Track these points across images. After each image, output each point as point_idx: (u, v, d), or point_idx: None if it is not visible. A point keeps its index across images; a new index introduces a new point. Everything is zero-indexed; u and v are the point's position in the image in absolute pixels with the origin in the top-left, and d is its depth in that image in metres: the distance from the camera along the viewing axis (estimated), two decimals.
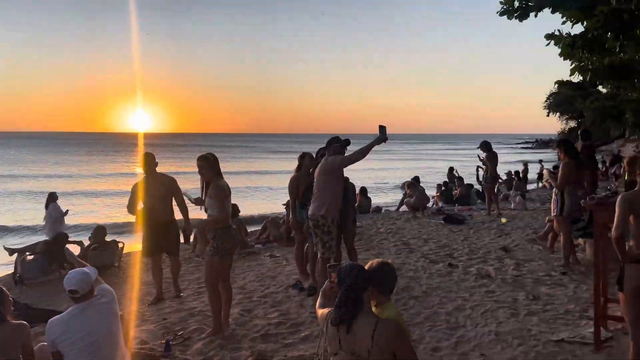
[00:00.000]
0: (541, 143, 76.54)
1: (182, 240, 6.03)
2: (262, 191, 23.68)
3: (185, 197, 5.37)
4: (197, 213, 5.08)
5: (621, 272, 3.09)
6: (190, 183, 11.67)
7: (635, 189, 3.10)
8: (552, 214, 6.53)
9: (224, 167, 4.77)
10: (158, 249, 5.83)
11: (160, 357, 3.96)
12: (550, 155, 38.84)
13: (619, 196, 3.14)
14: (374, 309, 2.65)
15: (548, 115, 55.35)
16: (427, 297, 5.33)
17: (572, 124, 54.19)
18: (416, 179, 12.83)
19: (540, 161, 20.35)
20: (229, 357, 4.04)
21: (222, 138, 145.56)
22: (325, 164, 5.15)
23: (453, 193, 14.51)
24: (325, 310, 2.63)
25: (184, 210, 5.70)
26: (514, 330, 4.32)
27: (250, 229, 10.03)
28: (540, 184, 18.30)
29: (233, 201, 4.96)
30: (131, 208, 5.74)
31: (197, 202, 4.69)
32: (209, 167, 4.49)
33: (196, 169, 4.52)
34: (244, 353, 4.09)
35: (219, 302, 4.51)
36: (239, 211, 8.93)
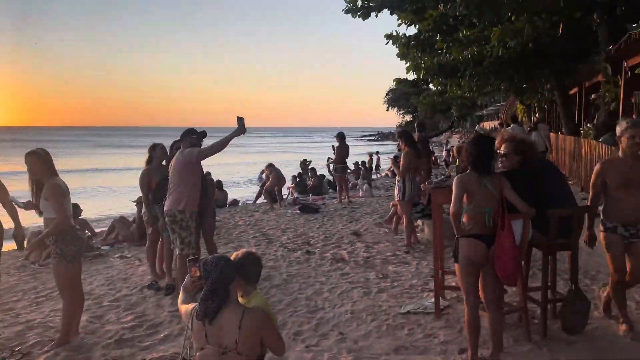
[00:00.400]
0: (382, 135, 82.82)
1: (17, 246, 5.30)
2: (103, 191, 21.49)
3: (12, 203, 4.61)
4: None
5: (456, 245, 3.50)
6: (18, 184, 10.34)
7: (467, 171, 3.53)
8: (395, 199, 7.15)
9: (57, 165, 4.24)
10: None
11: None
12: (390, 147, 42.29)
13: (455, 178, 3.54)
14: (240, 299, 2.65)
15: (388, 110, 60.25)
16: (287, 284, 5.47)
17: (408, 117, 59.70)
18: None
19: (377, 152, 21.94)
20: None
21: (51, 132, 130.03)
22: (181, 156, 4.95)
23: (307, 184, 15.03)
24: (190, 306, 2.56)
25: (12, 212, 4.74)
26: (367, 307, 4.65)
27: (96, 230, 9.25)
28: (378, 175, 19.83)
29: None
30: None
31: (28, 206, 4.14)
32: (41, 164, 3.99)
33: (24, 168, 3.99)
34: None
35: (77, 307, 4.13)
36: (81, 210, 8.16)
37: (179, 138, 5.25)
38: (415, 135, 10.09)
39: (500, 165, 3.94)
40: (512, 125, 13.95)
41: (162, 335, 4.25)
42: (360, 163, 17.78)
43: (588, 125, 13.35)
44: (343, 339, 3.98)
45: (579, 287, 3.86)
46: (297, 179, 15.30)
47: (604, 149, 9.21)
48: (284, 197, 12.88)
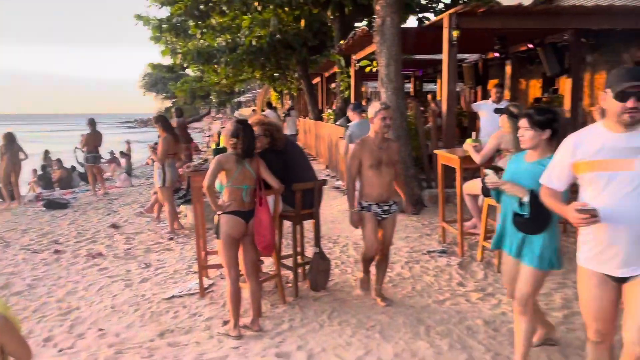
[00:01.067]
0: (141, 122, 78.61)
1: None
2: None
3: None
4: None
5: (217, 223, 3.66)
6: None
7: (227, 152, 3.70)
8: (156, 186, 6.98)
9: None
10: None
11: None
12: (151, 135, 40.48)
13: (214, 157, 3.69)
14: None
15: (144, 95, 57.41)
16: (33, 289, 4.87)
17: (168, 103, 57.96)
18: None
19: (128, 141, 20.76)
20: None
21: None
22: None
23: (51, 177, 13.40)
24: None
25: None
26: (129, 299, 4.49)
27: None
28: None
29: None
30: None
31: None
32: None
33: None
34: None
35: None
36: None
37: None
38: (174, 121, 9.97)
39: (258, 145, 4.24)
40: (267, 110, 14.90)
41: None
42: (114, 152, 16.62)
43: (329, 110, 15.13)
44: (103, 335, 3.78)
45: (322, 250, 4.45)
46: (40, 172, 13.50)
47: (340, 130, 10.60)
48: (23, 194, 11.20)
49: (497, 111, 5.21)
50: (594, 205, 2.19)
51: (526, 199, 2.68)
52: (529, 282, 2.81)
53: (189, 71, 24.00)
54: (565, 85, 10.04)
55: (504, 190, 2.90)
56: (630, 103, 2.13)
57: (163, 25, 13.82)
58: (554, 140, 2.79)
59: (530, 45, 9.81)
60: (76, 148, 11.24)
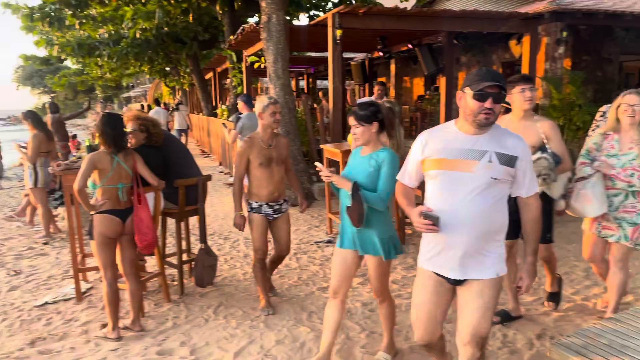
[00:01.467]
0: (15, 119, 71.49)
1: None
2: None
3: None
4: None
5: (91, 223, 3.50)
6: None
7: (99, 150, 3.54)
8: (28, 188, 6.46)
9: None
10: None
11: None
12: (27, 133, 36.91)
13: (87, 156, 3.51)
14: None
15: (18, 89, 52.39)
16: None
17: (47, 97, 53.32)
18: None
19: None
20: None
21: None
22: None
23: None
24: None
25: None
26: None
27: None
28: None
29: None
30: None
31: None
32: None
33: None
34: None
35: None
36: None
37: None
38: (48, 117, 9.25)
39: (129, 143, 4.11)
40: (155, 108, 14.35)
41: None
42: None
43: (222, 106, 14.94)
44: None
45: (208, 245, 4.43)
46: None
47: (232, 126, 10.54)
48: None
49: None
50: (437, 212, 2.18)
51: (350, 191, 2.75)
52: (377, 274, 2.91)
53: (68, 63, 22.31)
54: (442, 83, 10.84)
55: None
56: (487, 103, 2.12)
57: (35, 14, 12.70)
58: (383, 132, 2.94)
59: (410, 46, 10.47)
60: None
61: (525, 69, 8.65)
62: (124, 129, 3.70)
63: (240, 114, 7.23)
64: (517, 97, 3.32)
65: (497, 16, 8.30)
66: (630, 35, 10.36)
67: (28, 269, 5.17)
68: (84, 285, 4.44)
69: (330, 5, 13.70)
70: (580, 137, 8.57)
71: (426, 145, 2.30)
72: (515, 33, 8.86)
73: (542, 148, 3.23)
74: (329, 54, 7.75)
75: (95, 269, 4.48)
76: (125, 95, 49.57)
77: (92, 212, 3.51)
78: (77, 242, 4.47)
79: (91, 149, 4.31)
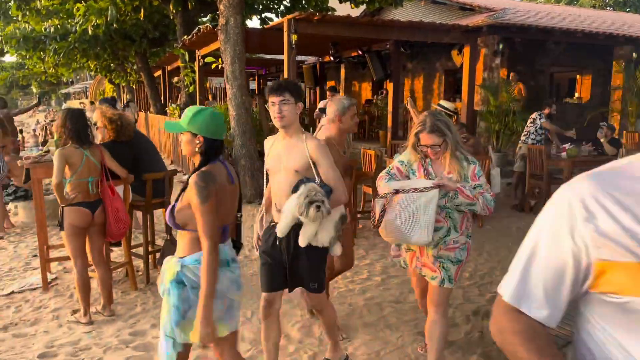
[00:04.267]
0: None
1: None
2: None
3: None
4: None
5: (61, 214, 3.67)
6: None
7: (68, 145, 3.70)
8: None
9: None
10: None
11: None
12: None
13: (57, 151, 3.66)
14: None
15: None
16: None
17: None
18: None
19: None
20: None
21: None
22: None
23: None
24: None
25: None
26: None
27: None
28: None
29: None
30: None
31: None
32: None
33: None
34: None
35: None
36: None
37: None
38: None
39: (98, 138, 4.29)
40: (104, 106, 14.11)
41: None
42: None
43: (173, 105, 14.91)
44: None
45: (173, 236, 4.65)
46: None
47: None
48: None
49: (322, 111, 5.94)
50: None
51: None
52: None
53: (6, 58, 21.38)
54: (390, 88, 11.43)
55: None
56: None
57: None
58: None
59: (360, 52, 10.99)
60: None
61: (465, 77, 9.35)
62: (87, 124, 3.87)
63: None
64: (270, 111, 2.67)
65: (440, 27, 8.94)
66: (559, 49, 11.36)
67: None
68: (49, 275, 4.54)
69: (282, 7, 14.03)
70: (514, 141, 9.37)
71: (606, 222, 0.93)
72: (456, 43, 9.55)
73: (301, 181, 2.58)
74: (284, 58, 8.08)
75: (61, 259, 4.62)
76: (64, 91, 47.68)
77: (62, 205, 3.67)
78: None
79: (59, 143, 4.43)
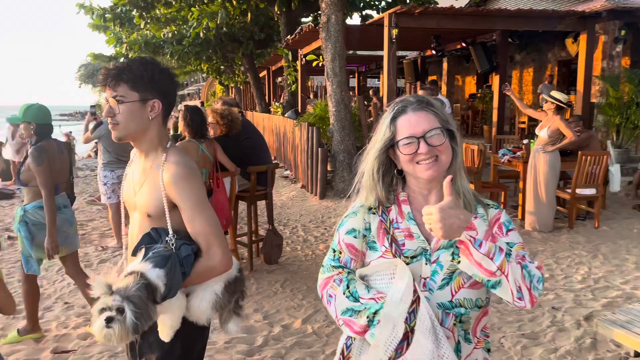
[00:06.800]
0: (79, 114, 75.42)
1: None
2: None
3: None
4: None
5: None
6: None
7: (186, 139, 4.04)
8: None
9: None
10: None
11: None
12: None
13: (177, 144, 4.01)
14: None
15: (80, 87, 55.36)
16: None
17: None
18: None
19: (68, 134, 19.96)
20: None
21: None
22: None
23: None
24: None
25: None
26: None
27: None
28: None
29: None
30: None
31: None
32: None
33: None
34: None
35: None
36: None
37: None
38: None
39: (210, 133, 4.60)
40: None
41: None
42: None
43: (276, 103, 15.49)
44: (69, 307, 4.05)
45: (274, 226, 4.87)
46: None
47: (289, 123, 11.03)
48: None
49: None
50: None
51: None
52: None
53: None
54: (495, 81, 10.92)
55: None
56: None
57: (107, 15, 13.65)
58: None
59: (463, 44, 10.62)
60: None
61: (581, 68, 8.65)
62: (204, 119, 4.18)
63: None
64: None
65: (553, 15, 8.36)
66: None
67: (112, 248, 5.79)
68: None
69: (383, 3, 13.97)
70: (637, 136, 8.50)
71: None
72: (571, 31, 8.88)
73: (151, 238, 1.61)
74: (384, 53, 8.06)
75: None
76: (180, 92, 51.42)
77: None
78: None
79: (175, 138, 4.83)
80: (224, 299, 1.67)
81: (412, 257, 1.32)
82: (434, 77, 16.68)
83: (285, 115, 11.90)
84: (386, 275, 1.31)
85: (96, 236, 6.26)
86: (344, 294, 1.32)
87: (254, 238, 4.98)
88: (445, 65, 16.30)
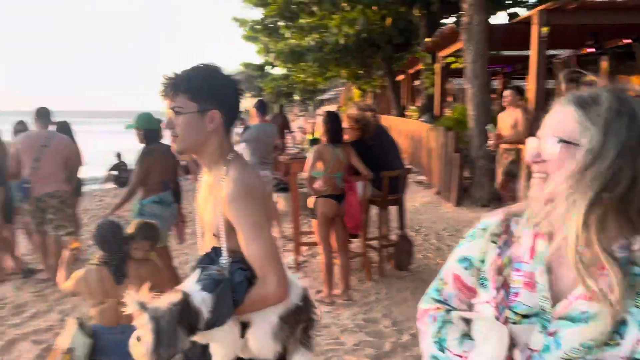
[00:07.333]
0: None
1: None
2: None
3: None
4: None
5: (314, 204, 4.18)
6: None
7: (323, 143, 4.20)
8: None
9: None
10: None
11: None
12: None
13: (313, 148, 4.21)
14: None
15: None
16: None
17: (253, 100, 60.35)
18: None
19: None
20: None
21: None
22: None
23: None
24: (82, 272, 2.74)
25: None
26: None
27: None
28: None
29: None
30: None
31: None
32: None
33: None
34: None
35: None
36: None
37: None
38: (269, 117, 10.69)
39: (346, 137, 4.72)
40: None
41: (29, 313, 4.23)
42: None
43: (412, 107, 15.32)
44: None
45: (406, 232, 4.83)
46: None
47: (424, 127, 10.83)
48: None
49: None
50: None
51: None
52: None
53: (276, 69, 25.04)
54: None
55: None
56: None
57: (256, 26, 14.74)
58: None
59: (627, 41, 9.47)
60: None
61: None
62: (341, 126, 4.29)
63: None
64: None
65: None
66: None
67: None
68: (300, 258, 5.20)
69: (533, 0, 13.04)
70: None
71: None
72: None
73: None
74: (531, 52, 7.52)
75: (310, 244, 5.23)
76: (319, 98, 53.35)
77: (315, 196, 4.17)
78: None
79: (313, 142, 5.04)
80: (285, 330, 1.51)
81: (524, 316, 0.96)
82: (592, 78, 15.10)
83: (421, 119, 11.72)
84: (483, 330, 1.00)
85: None
86: (433, 337, 1.08)
87: (384, 243, 4.99)
88: (604, 64, 14.67)
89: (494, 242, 1.05)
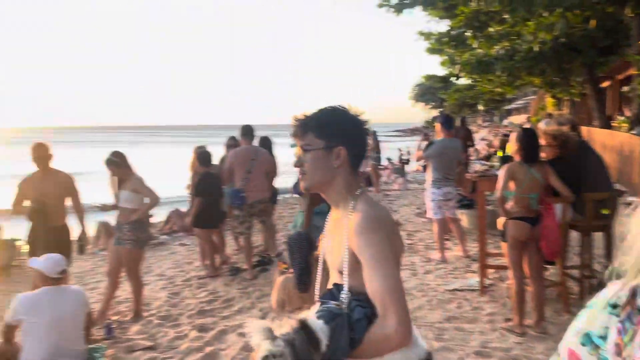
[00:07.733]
0: (410, 131, 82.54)
1: (75, 250, 4.83)
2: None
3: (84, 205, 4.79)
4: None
5: (504, 227, 3.95)
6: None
7: (515, 161, 3.96)
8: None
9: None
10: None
11: (103, 340, 4.08)
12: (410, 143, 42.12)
13: (504, 166, 3.99)
14: None
15: (413, 106, 60.62)
16: None
17: (435, 112, 59.64)
18: None
19: (400, 149, 21.99)
20: (171, 332, 4.29)
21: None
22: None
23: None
24: (281, 279, 3.04)
25: (81, 213, 4.76)
26: (416, 285, 5.12)
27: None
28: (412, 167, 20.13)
29: None
30: (17, 207, 4.60)
31: (105, 207, 4.82)
32: (122, 165, 4.58)
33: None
34: (185, 328, 4.37)
35: (141, 286, 4.84)
36: None
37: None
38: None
39: (543, 155, 4.38)
40: (546, 119, 14.19)
41: (236, 307, 4.81)
42: (391, 159, 18.19)
43: (620, 118, 13.46)
44: None
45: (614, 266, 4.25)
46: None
47: (636, 140, 9.42)
48: None
49: None
50: None
51: None
52: None
53: (461, 80, 24.37)
54: None
55: None
56: None
57: (442, 39, 14.57)
58: None
59: None
60: None
61: None
62: (537, 144, 3.99)
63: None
64: None
65: None
66: None
67: (436, 259, 6.12)
68: (485, 281, 4.97)
69: None
70: None
71: None
72: None
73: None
74: None
75: (498, 267, 4.96)
76: (506, 107, 50.24)
77: (505, 217, 3.94)
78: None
79: (504, 159, 4.79)
80: None
81: None
82: None
83: (633, 132, 10.24)
84: None
85: (422, 247, 6.74)
86: None
87: (586, 273, 4.47)
88: None
89: (616, 315, 0.87)
